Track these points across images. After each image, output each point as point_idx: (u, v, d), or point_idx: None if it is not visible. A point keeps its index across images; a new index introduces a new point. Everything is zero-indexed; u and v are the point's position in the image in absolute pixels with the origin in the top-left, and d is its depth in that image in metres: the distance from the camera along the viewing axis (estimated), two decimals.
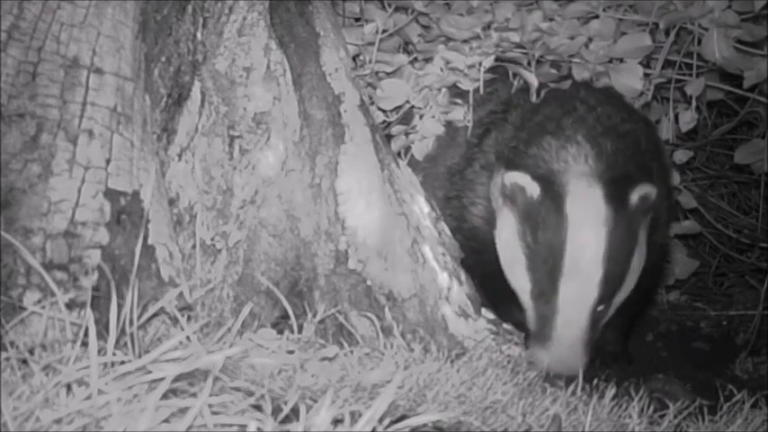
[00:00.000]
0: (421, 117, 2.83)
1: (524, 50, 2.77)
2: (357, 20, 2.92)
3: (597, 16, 2.76)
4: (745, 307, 3.48)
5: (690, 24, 2.75)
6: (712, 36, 2.72)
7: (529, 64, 2.79)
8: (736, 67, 2.75)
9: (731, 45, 2.71)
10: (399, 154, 2.82)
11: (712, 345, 3.22)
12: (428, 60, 2.85)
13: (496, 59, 2.78)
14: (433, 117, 2.82)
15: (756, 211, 3.64)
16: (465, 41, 2.77)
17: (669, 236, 2.91)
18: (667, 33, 2.80)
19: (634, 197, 2.36)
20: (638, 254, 2.39)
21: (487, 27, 2.75)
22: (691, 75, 2.88)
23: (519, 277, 2.44)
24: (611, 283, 2.33)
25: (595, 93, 2.73)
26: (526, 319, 2.49)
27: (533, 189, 2.41)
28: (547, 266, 2.35)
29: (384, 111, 2.85)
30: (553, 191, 2.39)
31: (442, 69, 2.79)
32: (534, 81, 2.75)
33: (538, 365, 2.30)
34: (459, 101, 2.83)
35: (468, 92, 2.79)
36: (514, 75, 2.88)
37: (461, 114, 2.83)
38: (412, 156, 2.86)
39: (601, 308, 2.34)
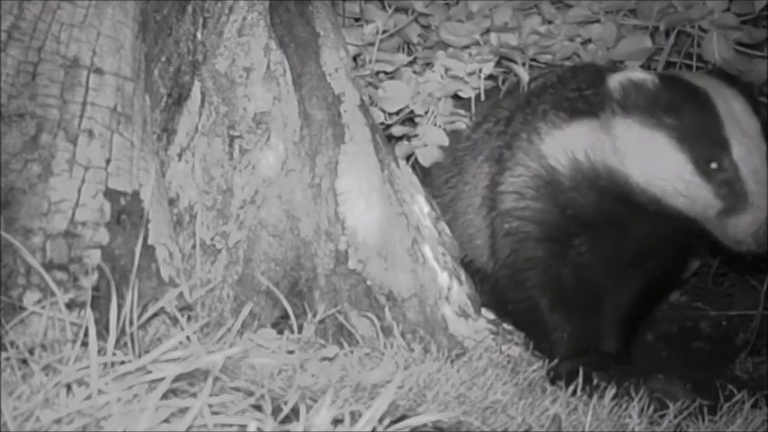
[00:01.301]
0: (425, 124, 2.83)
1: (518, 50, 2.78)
2: (357, 20, 2.92)
3: (598, 20, 2.76)
4: (745, 307, 3.48)
5: (690, 27, 2.75)
6: (712, 37, 2.72)
7: (524, 64, 2.79)
8: (736, 68, 2.76)
9: (731, 46, 2.72)
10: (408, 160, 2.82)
11: (712, 345, 3.22)
12: (428, 65, 2.86)
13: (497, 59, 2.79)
14: (436, 125, 2.82)
15: None
16: (464, 48, 2.77)
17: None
18: (667, 35, 2.80)
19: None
20: None
21: (486, 32, 2.75)
22: None
23: (675, 161, 2.29)
24: None
25: None
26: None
27: (652, 80, 2.32)
28: (706, 140, 2.25)
29: (384, 111, 2.85)
30: (669, 81, 2.31)
31: (442, 77, 2.79)
32: (525, 76, 2.75)
33: (746, 234, 2.21)
34: (462, 111, 2.83)
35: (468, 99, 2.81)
36: (503, 81, 2.88)
37: (463, 124, 2.83)
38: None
39: None
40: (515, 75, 2.87)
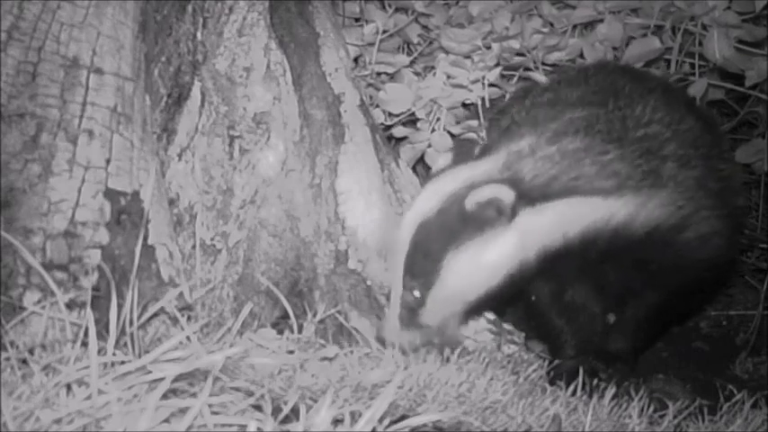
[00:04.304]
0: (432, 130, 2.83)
1: (525, 57, 2.77)
2: (357, 20, 2.92)
3: (602, 20, 2.76)
4: (745, 307, 3.47)
5: (692, 26, 2.76)
6: (713, 36, 2.73)
7: (536, 68, 2.79)
8: (737, 66, 2.76)
9: (732, 45, 2.72)
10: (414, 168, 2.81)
11: (712, 345, 3.22)
12: (430, 68, 2.85)
13: (504, 68, 2.78)
14: (442, 130, 2.81)
15: (756, 211, 3.63)
16: (467, 56, 2.76)
17: (720, 254, 2.47)
18: (674, 33, 2.81)
19: (470, 200, 2.17)
20: (462, 257, 2.21)
21: (486, 37, 2.75)
22: (692, 75, 2.89)
23: None
24: (416, 274, 2.22)
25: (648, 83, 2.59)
26: None
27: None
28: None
29: (385, 112, 2.84)
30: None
31: (444, 83, 2.78)
32: (543, 79, 2.75)
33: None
34: (472, 122, 2.83)
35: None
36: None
37: (474, 129, 2.83)
38: None
39: (416, 295, 2.23)
40: (522, 79, 2.87)
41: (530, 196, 2.19)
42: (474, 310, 2.34)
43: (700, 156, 2.43)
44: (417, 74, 2.92)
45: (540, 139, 2.29)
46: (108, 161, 1.98)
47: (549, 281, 2.48)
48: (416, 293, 2.24)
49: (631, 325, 2.54)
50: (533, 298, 2.51)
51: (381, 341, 2.24)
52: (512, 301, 2.51)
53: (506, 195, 2.17)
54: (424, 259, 2.21)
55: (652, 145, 2.36)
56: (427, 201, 2.24)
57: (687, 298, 2.60)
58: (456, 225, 2.19)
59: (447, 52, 2.79)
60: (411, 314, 2.25)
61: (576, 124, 2.33)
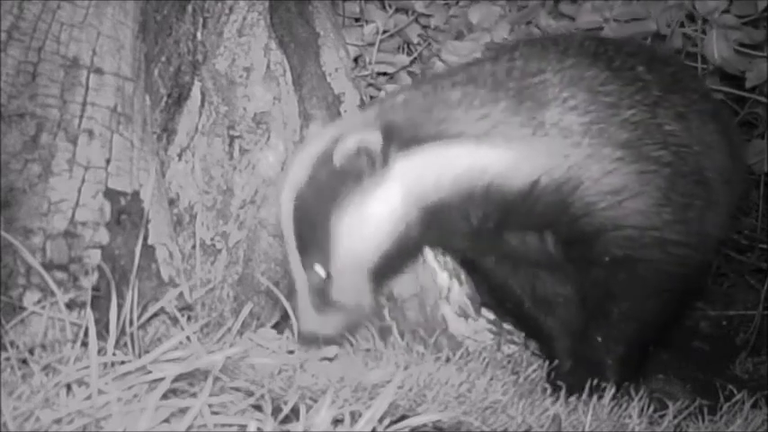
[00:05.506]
0: None
1: None
2: (357, 20, 2.92)
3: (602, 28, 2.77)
4: (745, 307, 3.48)
5: (693, 31, 2.76)
6: (712, 37, 2.73)
7: None
8: (736, 68, 2.76)
9: (731, 46, 2.72)
10: None
11: (712, 345, 3.22)
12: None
13: None
14: None
15: (756, 211, 3.63)
16: None
17: (654, 225, 2.16)
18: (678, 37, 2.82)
19: (338, 154, 2.05)
20: (348, 216, 2.07)
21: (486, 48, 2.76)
22: None
23: None
24: (311, 250, 2.08)
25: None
26: None
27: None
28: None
29: None
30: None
31: None
32: None
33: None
34: None
35: None
36: None
37: None
38: None
39: (321, 274, 2.09)
40: None
41: (401, 140, 2.08)
42: (384, 271, 2.16)
43: (601, 102, 2.18)
44: (415, 75, 2.92)
45: (416, 93, 2.18)
46: (108, 161, 1.98)
47: (503, 272, 2.37)
48: (320, 271, 2.09)
49: (610, 330, 2.26)
50: (512, 299, 2.44)
51: (303, 339, 2.09)
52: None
53: (373, 140, 2.04)
54: (312, 232, 2.07)
55: (536, 92, 2.16)
56: (297, 170, 2.10)
57: (654, 297, 2.25)
58: (332, 185, 2.06)
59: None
60: (323, 295, 2.11)
61: (456, 78, 2.20)
